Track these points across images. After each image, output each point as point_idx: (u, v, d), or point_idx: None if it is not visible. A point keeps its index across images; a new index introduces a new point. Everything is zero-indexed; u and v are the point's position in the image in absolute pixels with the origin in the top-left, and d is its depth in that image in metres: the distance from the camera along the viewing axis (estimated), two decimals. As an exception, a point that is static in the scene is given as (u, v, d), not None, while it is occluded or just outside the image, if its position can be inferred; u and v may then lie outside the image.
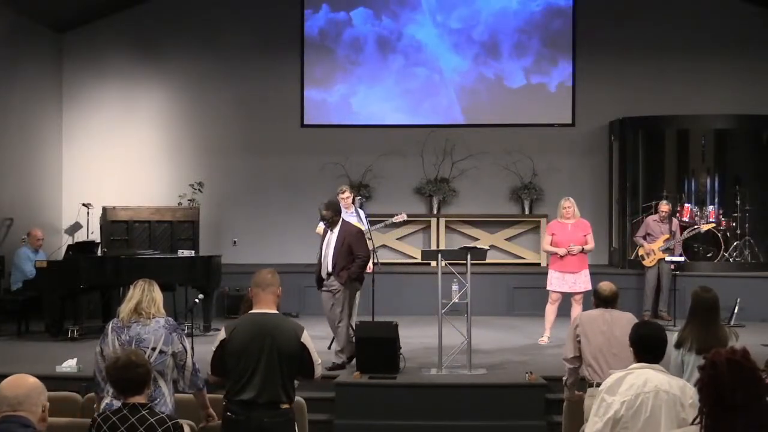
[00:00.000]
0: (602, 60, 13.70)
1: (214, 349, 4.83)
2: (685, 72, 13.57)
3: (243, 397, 4.67)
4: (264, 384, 4.66)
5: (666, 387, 3.87)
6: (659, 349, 4.09)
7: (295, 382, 4.87)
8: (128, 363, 3.93)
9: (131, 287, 5.24)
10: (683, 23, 13.65)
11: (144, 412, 3.87)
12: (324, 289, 8.46)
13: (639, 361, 4.02)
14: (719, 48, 13.56)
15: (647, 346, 4.07)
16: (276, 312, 4.87)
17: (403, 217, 10.68)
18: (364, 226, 9.74)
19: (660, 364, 4.07)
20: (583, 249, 9.77)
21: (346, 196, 9.94)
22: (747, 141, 13.38)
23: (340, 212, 8.61)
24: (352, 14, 14.07)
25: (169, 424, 3.87)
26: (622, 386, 3.88)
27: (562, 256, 9.72)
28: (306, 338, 4.81)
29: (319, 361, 4.92)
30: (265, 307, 4.83)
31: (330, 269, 8.35)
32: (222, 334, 4.82)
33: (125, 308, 5.12)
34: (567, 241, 9.73)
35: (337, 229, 8.43)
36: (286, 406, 4.75)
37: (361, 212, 10.08)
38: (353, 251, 8.38)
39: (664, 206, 11.47)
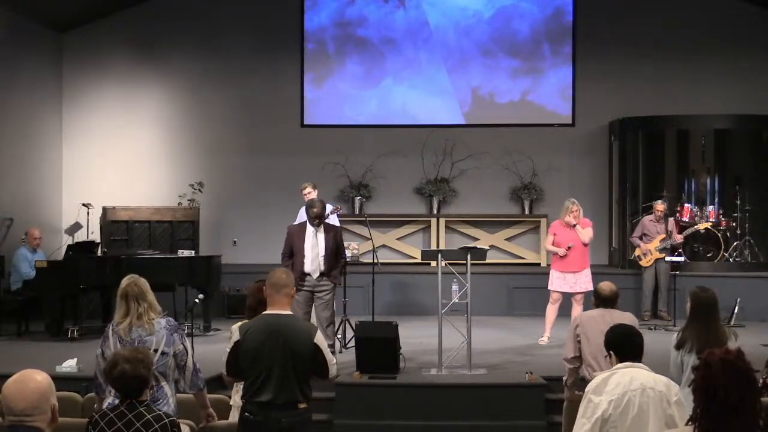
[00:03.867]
0: (602, 60, 13.70)
1: (228, 350, 4.84)
2: (685, 72, 13.58)
3: (261, 399, 4.68)
4: (280, 385, 4.67)
5: (652, 384, 3.89)
6: (638, 347, 4.12)
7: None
8: (123, 374, 3.94)
9: (120, 300, 5.13)
10: (683, 23, 13.65)
11: (141, 409, 3.90)
12: (306, 288, 8.22)
13: (621, 361, 4.04)
14: (719, 48, 13.57)
15: (626, 346, 4.10)
16: (289, 313, 4.86)
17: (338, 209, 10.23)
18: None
19: (645, 363, 4.08)
20: (575, 225, 9.74)
21: (307, 191, 9.95)
22: (747, 141, 13.38)
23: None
24: (352, 14, 14.08)
25: (166, 421, 3.90)
26: (608, 386, 3.90)
27: (562, 256, 9.72)
28: (319, 339, 4.81)
29: (334, 361, 4.94)
30: (279, 308, 4.82)
31: (323, 269, 8.26)
32: (236, 335, 4.81)
33: (123, 325, 5.07)
34: (568, 241, 9.73)
35: (322, 229, 8.34)
36: (303, 406, 4.76)
37: (329, 207, 10.05)
38: (339, 251, 8.41)
39: (659, 206, 11.51)
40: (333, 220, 10.03)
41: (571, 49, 13.90)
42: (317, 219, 8.34)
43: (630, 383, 3.87)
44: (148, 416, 3.87)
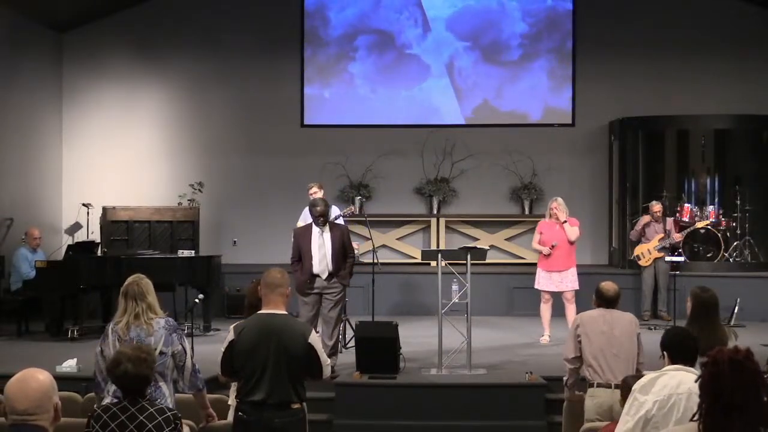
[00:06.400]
0: (602, 60, 13.70)
1: (223, 350, 4.85)
2: (685, 72, 13.58)
3: (254, 398, 4.69)
4: (273, 385, 4.68)
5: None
6: (692, 350, 4.12)
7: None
8: (125, 373, 3.96)
9: (120, 299, 5.15)
10: (683, 23, 13.65)
11: (144, 403, 3.94)
12: (315, 291, 8.19)
13: (673, 363, 4.04)
14: (719, 48, 13.56)
15: (681, 348, 4.09)
16: (284, 313, 4.86)
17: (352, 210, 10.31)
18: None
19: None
20: (565, 221, 9.75)
21: (313, 191, 9.94)
22: (747, 141, 13.39)
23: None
24: (352, 14, 14.07)
25: (169, 414, 3.94)
26: (655, 386, 3.89)
27: (546, 255, 9.75)
28: (314, 339, 4.81)
29: (328, 362, 4.93)
30: (273, 307, 4.83)
31: (331, 270, 8.21)
32: (231, 335, 4.83)
33: (121, 325, 5.07)
34: (552, 239, 9.76)
35: (328, 229, 8.28)
36: (297, 406, 4.76)
37: (335, 210, 10.06)
38: (346, 250, 8.32)
39: (656, 207, 11.58)
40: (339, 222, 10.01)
41: (571, 49, 13.90)
42: (321, 218, 8.24)
43: (677, 387, 3.87)
44: (151, 409, 3.92)
